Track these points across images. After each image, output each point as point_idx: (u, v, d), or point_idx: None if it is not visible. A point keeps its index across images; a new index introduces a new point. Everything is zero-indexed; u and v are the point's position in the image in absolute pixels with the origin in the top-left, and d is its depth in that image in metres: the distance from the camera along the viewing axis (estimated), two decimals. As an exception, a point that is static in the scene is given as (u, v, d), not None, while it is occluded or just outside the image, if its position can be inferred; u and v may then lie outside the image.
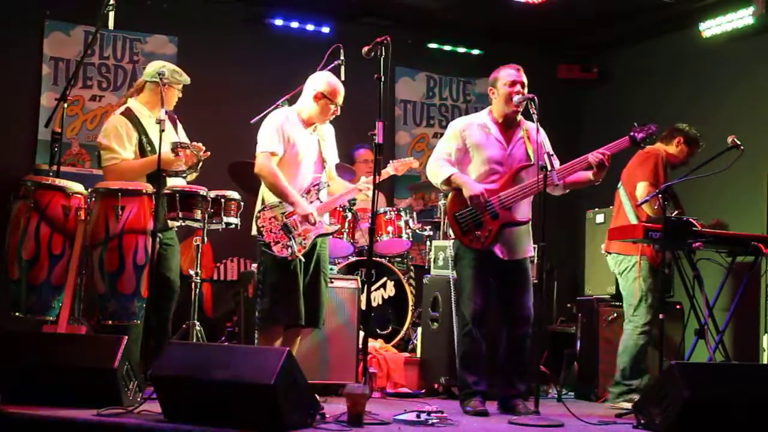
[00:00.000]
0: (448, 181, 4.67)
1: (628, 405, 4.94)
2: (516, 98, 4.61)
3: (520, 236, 4.72)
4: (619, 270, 5.42)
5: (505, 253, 4.66)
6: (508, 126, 4.75)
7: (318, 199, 4.74)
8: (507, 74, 4.72)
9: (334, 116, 4.74)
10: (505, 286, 4.70)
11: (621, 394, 5.23)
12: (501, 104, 4.71)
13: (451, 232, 4.73)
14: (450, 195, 4.72)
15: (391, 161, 5.10)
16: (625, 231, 5.18)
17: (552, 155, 4.51)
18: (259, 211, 4.62)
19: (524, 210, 4.72)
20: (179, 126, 5.22)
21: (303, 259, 4.61)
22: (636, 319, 5.29)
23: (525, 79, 4.71)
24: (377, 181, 4.36)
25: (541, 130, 4.73)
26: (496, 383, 4.77)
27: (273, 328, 4.61)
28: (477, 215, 4.60)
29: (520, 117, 4.78)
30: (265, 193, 4.69)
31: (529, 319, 4.67)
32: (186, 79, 5.09)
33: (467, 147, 4.72)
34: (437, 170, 4.71)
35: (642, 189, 5.25)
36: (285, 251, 4.56)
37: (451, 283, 5.40)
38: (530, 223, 4.78)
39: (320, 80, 4.70)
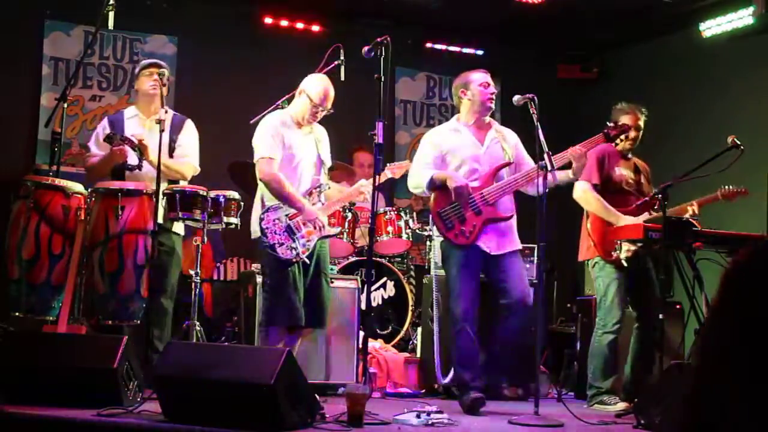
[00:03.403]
0: (431, 183, 4.72)
1: (603, 407, 4.98)
2: (515, 98, 4.63)
3: (506, 231, 4.78)
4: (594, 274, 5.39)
5: (493, 247, 4.72)
6: (479, 128, 4.87)
7: (319, 201, 4.75)
8: (480, 77, 4.84)
9: (321, 117, 4.74)
10: (498, 278, 4.72)
11: (593, 397, 5.15)
12: (476, 105, 4.83)
13: (436, 230, 4.80)
14: (433, 194, 4.77)
15: (388, 164, 5.15)
16: (622, 232, 5.15)
17: (551, 153, 4.52)
18: (263, 213, 4.62)
19: (507, 205, 4.79)
20: None
21: (308, 261, 4.62)
22: (598, 320, 5.24)
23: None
24: (374, 191, 4.37)
25: (512, 132, 4.95)
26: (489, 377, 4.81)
27: (274, 329, 4.61)
28: (460, 211, 4.66)
29: (488, 119, 4.91)
30: (264, 195, 4.69)
31: (529, 305, 4.61)
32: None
33: (444, 153, 4.81)
34: (418, 180, 4.78)
35: (575, 190, 5.18)
36: (289, 253, 4.56)
37: (434, 282, 5.45)
38: (514, 218, 4.84)
39: (309, 81, 4.72)
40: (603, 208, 5.13)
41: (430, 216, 4.89)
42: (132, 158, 4.90)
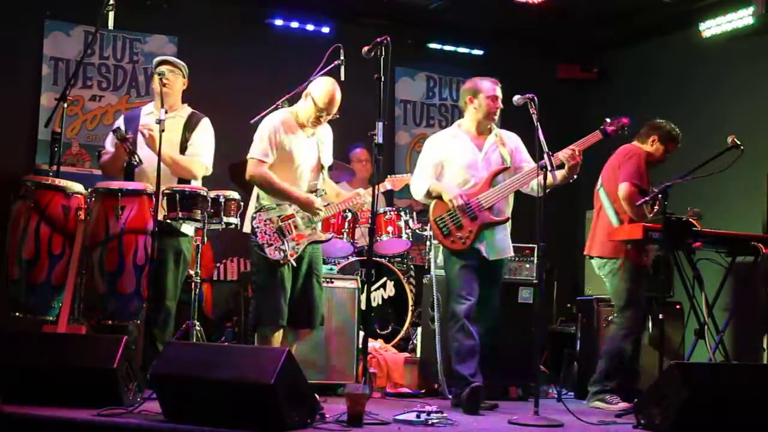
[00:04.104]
0: (428, 193, 4.91)
1: (605, 405, 4.98)
2: (515, 98, 4.65)
3: (502, 236, 4.91)
4: (603, 273, 5.30)
5: (490, 252, 4.85)
6: (479, 133, 4.98)
7: None
8: (490, 88, 4.92)
9: (325, 122, 4.75)
10: (484, 287, 4.84)
11: (596, 393, 5.14)
12: (481, 115, 4.93)
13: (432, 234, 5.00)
14: (432, 202, 4.92)
15: (389, 176, 5.27)
16: (622, 231, 5.15)
17: (551, 153, 4.53)
18: (256, 212, 4.63)
19: (502, 209, 4.89)
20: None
21: (294, 264, 4.62)
22: (620, 321, 5.21)
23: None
24: (375, 192, 4.39)
25: (513, 135, 5.03)
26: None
27: (263, 328, 4.61)
28: (457, 218, 4.80)
29: (490, 124, 5.01)
30: (260, 193, 4.69)
31: (497, 319, 4.95)
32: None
33: (443, 159, 4.93)
34: (417, 188, 4.97)
35: (623, 189, 5.12)
36: (277, 254, 4.56)
37: (434, 284, 5.50)
38: (510, 222, 4.94)
39: (316, 84, 4.69)
40: (643, 215, 5.09)
41: (428, 224, 5.05)
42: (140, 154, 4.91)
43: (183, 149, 5.07)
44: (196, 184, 5.08)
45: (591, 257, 5.38)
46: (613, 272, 5.20)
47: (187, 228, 5.06)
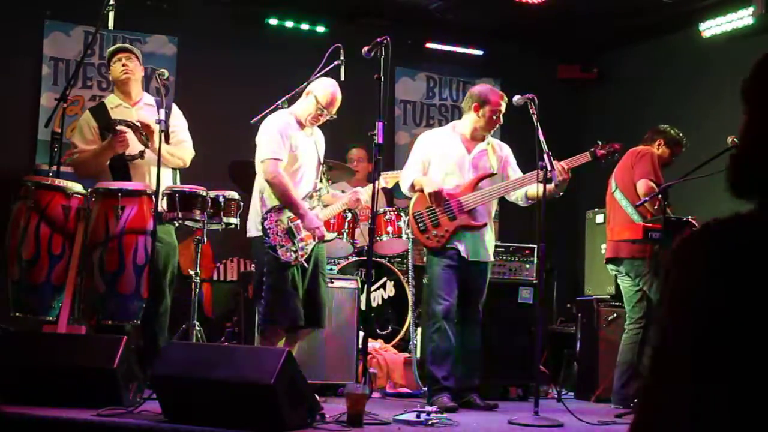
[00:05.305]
0: (411, 187, 4.97)
1: None
2: (515, 98, 4.68)
3: (483, 239, 4.95)
4: (635, 274, 5.23)
5: (469, 253, 4.88)
6: (472, 138, 5.03)
7: (318, 204, 4.77)
8: (497, 101, 4.93)
9: (323, 122, 4.76)
10: (465, 287, 4.88)
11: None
12: (480, 125, 4.96)
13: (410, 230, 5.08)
14: (414, 197, 4.98)
15: (382, 173, 5.27)
16: (622, 232, 5.14)
17: (550, 154, 4.53)
18: (266, 213, 4.63)
19: (482, 214, 4.93)
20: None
21: (306, 265, 4.64)
22: (642, 319, 5.24)
23: None
24: (375, 193, 4.40)
25: (505, 145, 5.09)
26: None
27: (274, 329, 4.62)
28: (435, 215, 4.85)
29: (486, 134, 5.09)
30: (265, 194, 4.69)
31: (480, 321, 4.97)
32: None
33: (431, 156, 5.00)
34: (404, 182, 5.05)
35: (643, 186, 5.15)
36: (289, 255, 4.58)
37: (411, 283, 5.59)
38: (491, 228, 5.02)
39: (318, 84, 4.71)
40: (663, 211, 5.10)
41: (407, 218, 5.12)
42: (133, 147, 4.89)
43: (167, 137, 5.06)
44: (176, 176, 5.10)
45: (615, 260, 5.29)
46: (647, 272, 5.16)
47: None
